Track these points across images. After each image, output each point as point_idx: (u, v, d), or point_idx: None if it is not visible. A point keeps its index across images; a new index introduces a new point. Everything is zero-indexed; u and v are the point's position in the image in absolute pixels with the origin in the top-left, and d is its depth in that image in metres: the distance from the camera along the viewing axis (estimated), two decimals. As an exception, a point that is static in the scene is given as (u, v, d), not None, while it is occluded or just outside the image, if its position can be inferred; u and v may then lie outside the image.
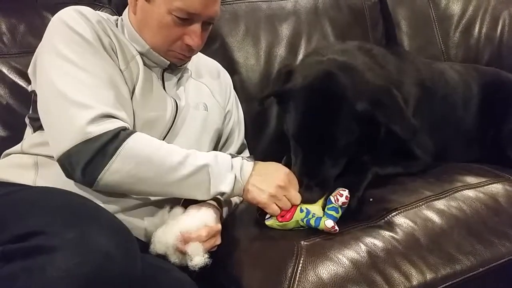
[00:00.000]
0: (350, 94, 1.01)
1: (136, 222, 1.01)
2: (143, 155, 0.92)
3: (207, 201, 1.03)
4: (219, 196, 1.00)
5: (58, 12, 1.02)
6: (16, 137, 1.15)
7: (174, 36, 1.05)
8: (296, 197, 0.99)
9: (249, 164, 0.99)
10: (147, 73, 1.08)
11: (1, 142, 1.21)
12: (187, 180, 0.94)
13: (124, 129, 0.93)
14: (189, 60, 1.15)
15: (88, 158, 0.88)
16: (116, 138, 0.90)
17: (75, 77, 0.94)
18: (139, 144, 0.92)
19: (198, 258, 0.93)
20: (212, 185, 0.96)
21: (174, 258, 0.96)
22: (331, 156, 1.03)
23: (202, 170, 0.95)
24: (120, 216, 0.96)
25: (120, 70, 1.02)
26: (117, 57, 1.03)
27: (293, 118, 1.05)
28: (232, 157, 1.00)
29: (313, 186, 1.01)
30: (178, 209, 1.02)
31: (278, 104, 1.16)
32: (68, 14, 1.01)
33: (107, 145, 0.89)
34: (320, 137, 1.01)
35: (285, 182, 0.98)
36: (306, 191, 1.01)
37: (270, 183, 0.97)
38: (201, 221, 0.97)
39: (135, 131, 0.95)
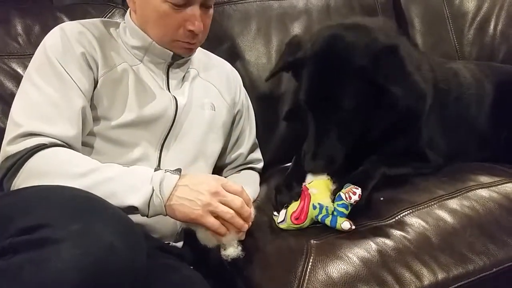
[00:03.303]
0: (353, 52, 1.00)
1: (147, 219, 1.01)
2: (44, 170, 0.91)
3: None
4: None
5: (48, 33, 1.08)
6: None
7: (174, 24, 1.05)
8: (235, 199, 0.90)
9: (172, 177, 0.89)
10: (140, 74, 1.09)
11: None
12: (93, 190, 0.85)
13: (40, 146, 0.93)
14: (196, 48, 1.15)
15: (3, 174, 0.93)
16: (28, 155, 0.92)
17: (27, 95, 1.00)
18: (43, 160, 0.92)
19: (232, 248, 0.93)
20: (119, 198, 0.87)
21: (203, 237, 0.95)
22: (339, 122, 1.01)
23: (106, 182, 0.88)
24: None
25: (95, 75, 1.04)
26: (93, 63, 1.04)
27: (303, 84, 1.05)
28: (156, 171, 0.91)
29: (318, 156, 1.00)
30: None
31: (293, 75, 1.15)
32: (50, 35, 1.06)
33: (17, 162, 0.92)
34: (326, 98, 1.01)
35: (217, 187, 0.89)
36: (310, 159, 1.00)
37: (200, 192, 0.87)
38: None
39: (53, 147, 0.94)
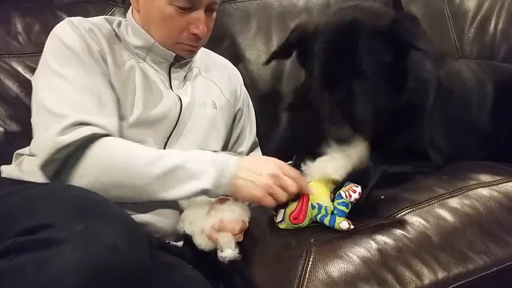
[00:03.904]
0: (372, 17, 1.01)
1: (150, 219, 1.02)
2: (109, 160, 0.91)
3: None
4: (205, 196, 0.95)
5: (55, 27, 1.07)
6: (29, 134, 1.16)
7: (179, 27, 1.05)
8: (292, 184, 0.94)
9: (234, 159, 0.96)
10: (147, 72, 1.09)
11: (15, 138, 1.23)
12: (159, 181, 0.91)
13: (95, 135, 0.93)
14: (198, 50, 1.15)
15: (58, 167, 0.91)
16: (84, 145, 0.91)
17: (56, 87, 0.97)
18: (106, 149, 0.92)
19: (229, 250, 0.93)
20: (190, 183, 0.92)
21: (200, 241, 0.96)
22: (360, 85, 0.99)
23: (175, 170, 0.91)
24: (133, 213, 0.97)
25: (110, 73, 1.04)
26: (106, 62, 1.04)
27: (317, 56, 1.02)
28: (216, 153, 0.97)
29: (342, 121, 0.97)
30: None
31: (299, 56, 1.12)
32: (61, 28, 1.05)
33: (75, 152, 0.91)
34: (346, 63, 0.99)
35: (277, 170, 0.95)
36: (336, 127, 0.98)
37: (260, 174, 0.93)
38: (239, 214, 0.97)
39: (107, 136, 0.94)
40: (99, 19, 1.13)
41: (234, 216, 0.96)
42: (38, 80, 1.02)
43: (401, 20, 1.00)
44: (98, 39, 1.05)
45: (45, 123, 0.95)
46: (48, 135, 0.93)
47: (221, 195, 0.95)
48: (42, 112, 0.96)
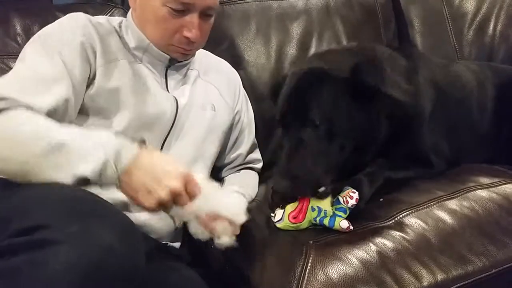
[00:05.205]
0: (329, 70, 1.03)
1: (146, 220, 1.01)
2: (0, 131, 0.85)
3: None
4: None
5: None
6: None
7: (172, 29, 1.05)
8: (188, 209, 0.85)
9: (131, 149, 0.83)
10: (140, 73, 1.08)
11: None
12: (42, 159, 0.81)
13: (3, 109, 0.88)
14: (192, 55, 1.15)
15: None
16: None
17: (13, 71, 0.98)
18: (3, 120, 0.87)
19: (226, 237, 0.92)
20: (71, 165, 0.80)
21: (195, 229, 0.94)
22: (309, 133, 1.00)
23: (60, 148, 0.81)
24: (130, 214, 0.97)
25: (96, 64, 1.03)
26: (95, 53, 1.03)
27: (279, 102, 1.07)
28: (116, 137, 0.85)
29: (285, 172, 0.97)
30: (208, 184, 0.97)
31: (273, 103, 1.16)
32: (58, 21, 1.06)
33: None
34: (296, 111, 1.02)
35: (180, 186, 0.82)
36: (276, 175, 0.98)
37: (160, 184, 0.81)
38: (236, 206, 0.96)
39: (12, 110, 0.88)
40: (101, 18, 1.12)
41: (229, 206, 0.93)
42: None
43: (363, 67, 1.00)
44: (89, 32, 1.05)
45: None
46: None
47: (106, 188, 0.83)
48: None
